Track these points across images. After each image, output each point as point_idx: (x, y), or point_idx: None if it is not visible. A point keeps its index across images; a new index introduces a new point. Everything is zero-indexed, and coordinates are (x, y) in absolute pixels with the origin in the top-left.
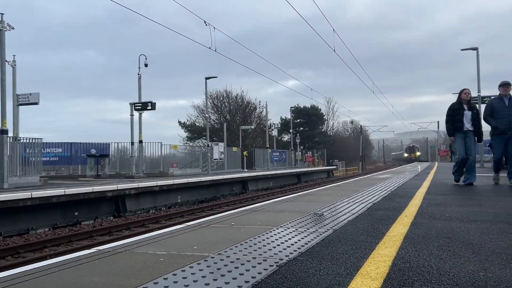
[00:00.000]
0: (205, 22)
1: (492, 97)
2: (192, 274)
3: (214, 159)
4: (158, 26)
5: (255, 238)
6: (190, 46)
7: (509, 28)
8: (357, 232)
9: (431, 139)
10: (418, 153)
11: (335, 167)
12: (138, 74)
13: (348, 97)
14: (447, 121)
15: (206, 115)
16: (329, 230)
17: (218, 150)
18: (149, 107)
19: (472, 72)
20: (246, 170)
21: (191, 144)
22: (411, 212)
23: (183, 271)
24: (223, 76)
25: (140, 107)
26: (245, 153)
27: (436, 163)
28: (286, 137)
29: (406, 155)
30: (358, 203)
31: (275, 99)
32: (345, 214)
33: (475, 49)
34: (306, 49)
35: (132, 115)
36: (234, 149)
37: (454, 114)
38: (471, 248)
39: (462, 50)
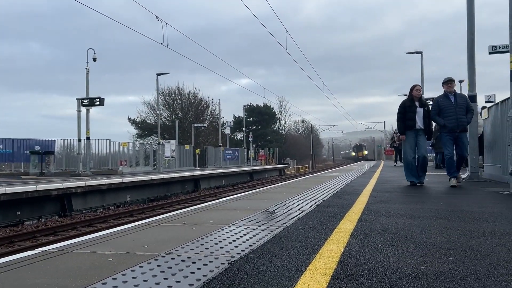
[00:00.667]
0: (156, 17)
1: (436, 96)
2: (142, 273)
3: (166, 157)
4: (107, 19)
5: (207, 237)
6: (141, 41)
7: (451, 32)
8: (307, 229)
9: (378, 138)
10: (365, 152)
11: (286, 165)
12: (86, 68)
13: (299, 96)
14: (398, 119)
15: (158, 112)
16: (280, 227)
17: (170, 148)
18: (97, 103)
19: (416, 74)
20: (198, 168)
21: (141, 141)
22: (358, 209)
23: (132, 270)
24: (175, 72)
25: (87, 103)
26: (197, 151)
27: (382, 162)
28: (239, 135)
29: (353, 153)
30: (308, 200)
31: (229, 97)
32: (296, 211)
33: (420, 52)
34: (260, 48)
35: (79, 110)
36: (186, 147)
37: (405, 112)
38: (414, 243)
39: (407, 53)
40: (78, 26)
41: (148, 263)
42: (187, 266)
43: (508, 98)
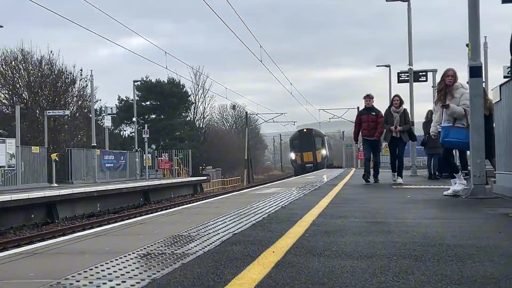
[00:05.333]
0: None
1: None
2: None
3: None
4: None
5: None
6: None
7: None
8: (186, 282)
9: (349, 133)
10: (323, 152)
11: (205, 178)
12: None
13: (229, 68)
14: None
15: None
16: (144, 279)
17: (6, 151)
18: None
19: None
20: (56, 185)
21: None
22: (284, 245)
23: None
24: (18, 25)
25: None
26: (54, 156)
27: (353, 170)
28: (128, 130)
29: (292, 156)
30: (213, 233)
31: (112, 67)
32: (185, 253)
33: (406, 0)
34: None
35: None
36: (35, 149)
37: None
38: None
39: (387, 0)
40: None
41: None
42: None
43: None
